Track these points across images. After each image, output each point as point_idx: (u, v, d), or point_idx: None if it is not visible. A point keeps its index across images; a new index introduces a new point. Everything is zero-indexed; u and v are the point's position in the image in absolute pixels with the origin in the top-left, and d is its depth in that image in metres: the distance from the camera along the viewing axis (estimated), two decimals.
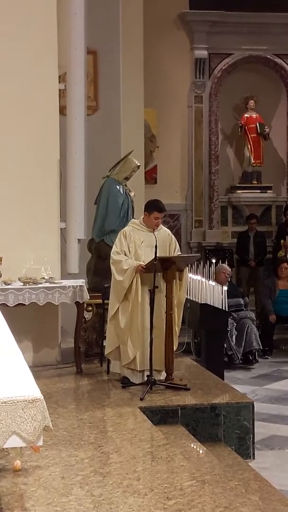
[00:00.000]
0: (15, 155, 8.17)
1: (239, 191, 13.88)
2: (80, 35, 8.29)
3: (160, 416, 6.54)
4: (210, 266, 9.56)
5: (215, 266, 10.16)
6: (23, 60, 8.16)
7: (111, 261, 7.34)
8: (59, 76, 8.43)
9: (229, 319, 10.08)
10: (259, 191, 13.88)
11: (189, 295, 9.04)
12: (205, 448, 6.02)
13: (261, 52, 13.85)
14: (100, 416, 6.33)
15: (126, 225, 7.79)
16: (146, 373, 7.15)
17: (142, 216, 7.50)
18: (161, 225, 7.53)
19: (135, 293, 7.20)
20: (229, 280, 10.86)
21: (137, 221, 7.56)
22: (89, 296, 8.02)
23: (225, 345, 9.79)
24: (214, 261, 9.98)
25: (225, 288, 8.91)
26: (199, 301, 9.04)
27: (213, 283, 9.06)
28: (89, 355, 8.57)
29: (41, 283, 7.81)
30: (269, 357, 11.11)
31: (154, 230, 7.30)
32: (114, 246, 7.43)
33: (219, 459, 5.92)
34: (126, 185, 8.81)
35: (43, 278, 7.88)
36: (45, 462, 5.07)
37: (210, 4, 13.26)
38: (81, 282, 8.04)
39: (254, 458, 6.65)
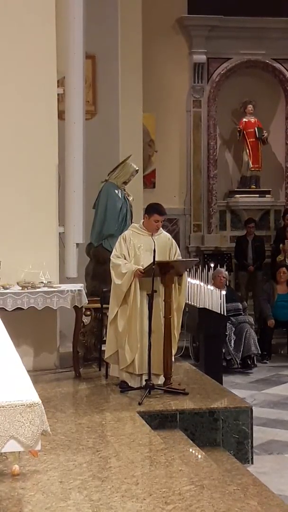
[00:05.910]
0: (14, 159, 8.17)
1: (238, 196, 13.88)
2: (78, 40, 8.30)
3: (159, 421, 6.54)
4: (208, 270, 9.55)
5: (214, 270, 10.16)
6: (22, 65, 8.17)
7: (110, 264, 7.34)
8: (58, 81, 8.44)
9: (228, 324, 10.07)
10: (257, 195, 13.88)
11: (188, 300, 9.03)
12: (203, 453, 6.01)
13: (259, 57, 13.86)
14: (99, 421, 6.32)
15: (125, 229, 7.79)
16: (145, 377, 7.15)
17: (142, 220, 7.50)
18: (161, 229, 7.53)
19: (134, 297, 7.20)
20: (227, 284, 10.84)
21: (137, 225, 7.56)
22: (88, 300, 8.03)
23: (223, 350, 9.78)
24: (212, 265, 9.99)
25: (224, 292, 8.90)
26: (198, 305, 9.04)
27: (212, 288, 9.06)
28: (88, 360, 8.56)
29: (39, 288, 7.80)
30: (267, 361, 11.10)
31: (153, 234, 7.30)
32: (114, 250, 7.43)
33: (218, 464, 5.91)
34: (124, 190, 8.82)
35: (42, 282, 7.87)
36: (43, 467, 5.06)
37: (208, 9, 13.27)
38: (80, 286, 8.04)
39: (252, 463, 6.64)
